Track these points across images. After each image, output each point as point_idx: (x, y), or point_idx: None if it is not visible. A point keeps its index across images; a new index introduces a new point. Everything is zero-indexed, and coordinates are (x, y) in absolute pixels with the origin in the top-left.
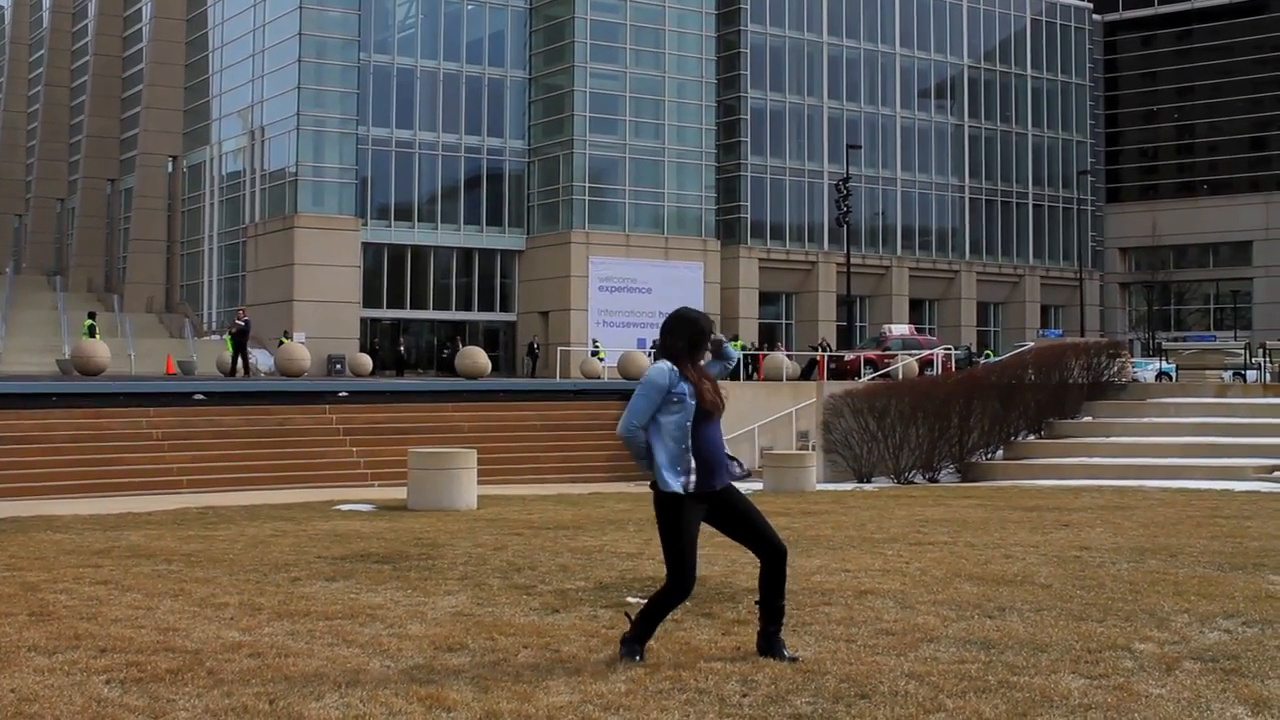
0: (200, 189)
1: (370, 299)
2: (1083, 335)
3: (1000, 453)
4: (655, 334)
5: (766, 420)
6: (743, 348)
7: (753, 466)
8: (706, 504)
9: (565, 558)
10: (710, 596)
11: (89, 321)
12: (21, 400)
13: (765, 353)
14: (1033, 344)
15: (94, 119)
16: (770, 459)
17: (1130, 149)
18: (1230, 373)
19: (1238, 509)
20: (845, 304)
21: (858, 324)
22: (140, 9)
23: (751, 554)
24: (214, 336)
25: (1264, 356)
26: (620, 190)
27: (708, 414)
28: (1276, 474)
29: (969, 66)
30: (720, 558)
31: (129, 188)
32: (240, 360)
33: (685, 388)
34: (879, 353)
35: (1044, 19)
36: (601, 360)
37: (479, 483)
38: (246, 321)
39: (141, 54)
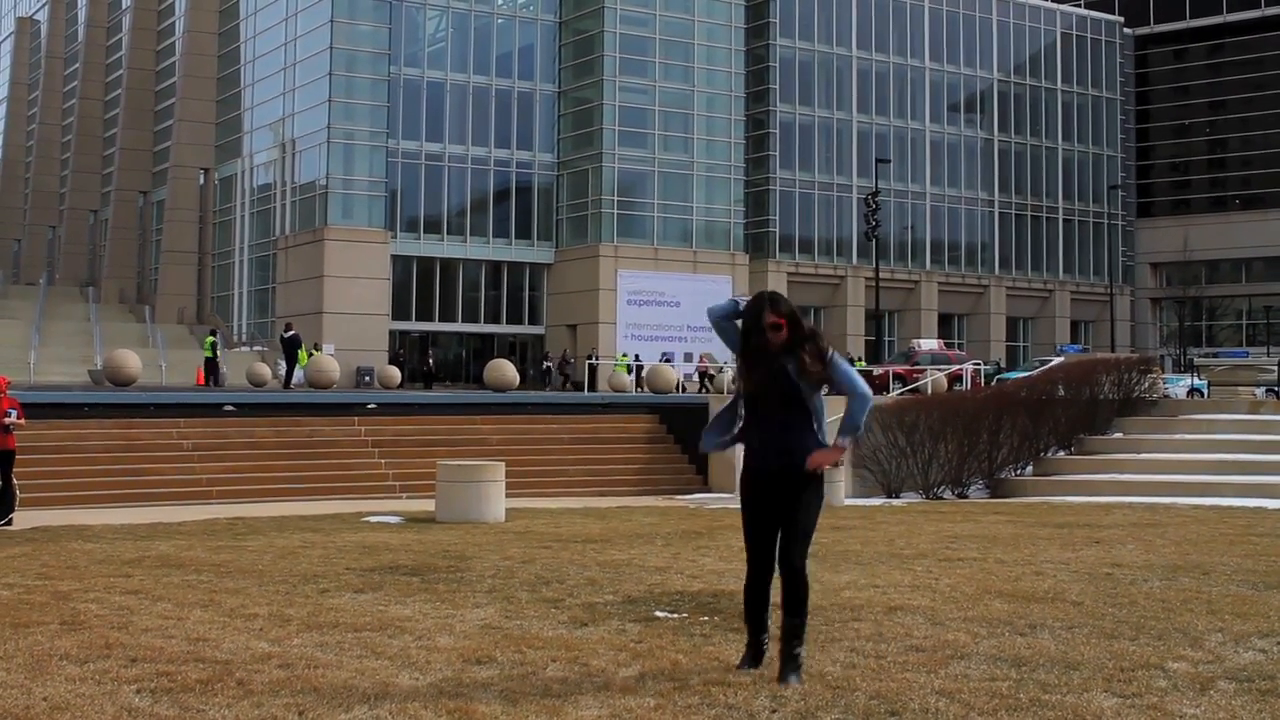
0: (231, 201)
1: (399, 311)
2: (1113, 351)
3: (1030, 469)
4: (684, 347)
5: None
6: None
7: None
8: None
9: (593, 571)
10: (739, 610)
11: (210, 339)
12: (54, 410)
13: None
14: (1059, 359)
15: (127, 132)
16: None
17: (1162, 163)
18: (1263, 389)
19: (1271, 527)
20: (874, 318)
21: (886, 338)
22: (174, 24)
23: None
24: (244, 348)
25: None
26: (649, 204)
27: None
28: None
29: (999, 80)
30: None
31: (161, 200)
32: (288, 371)
33: None
34: (908, 367)
35: (1074, 33)
36: (627, 373)
37: (507, 495)
38: (295, 333)
39: (174, 68)
